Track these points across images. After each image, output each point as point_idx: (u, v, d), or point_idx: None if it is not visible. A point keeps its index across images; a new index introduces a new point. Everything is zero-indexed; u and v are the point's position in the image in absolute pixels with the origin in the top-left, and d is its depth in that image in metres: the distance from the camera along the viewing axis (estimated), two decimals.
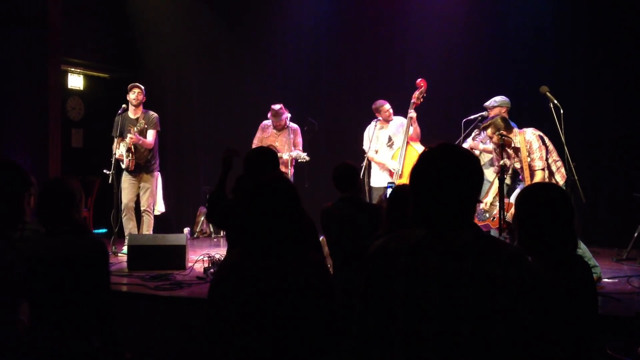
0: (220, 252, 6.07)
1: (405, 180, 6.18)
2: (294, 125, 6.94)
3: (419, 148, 6.42)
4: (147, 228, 6.64)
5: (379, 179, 6.65)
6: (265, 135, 6.92)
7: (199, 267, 5.62)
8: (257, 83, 8.57)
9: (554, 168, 5.16)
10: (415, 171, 1.76)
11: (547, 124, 5.65)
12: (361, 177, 6.17)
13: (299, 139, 6.95)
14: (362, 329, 1.79)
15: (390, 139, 6.66)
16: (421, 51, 7.90)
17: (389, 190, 4.63)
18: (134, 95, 6.57)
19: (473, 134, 6.20)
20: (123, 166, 6.55)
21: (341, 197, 4.01)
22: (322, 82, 8.58)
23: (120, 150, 6.52)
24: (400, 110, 6.69)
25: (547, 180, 5.05)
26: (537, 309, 1.66)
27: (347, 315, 2.12)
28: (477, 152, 6.21)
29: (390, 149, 6.63)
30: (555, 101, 5.40)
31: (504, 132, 5.06)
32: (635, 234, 6.09)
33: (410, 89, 6.58)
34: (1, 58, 6.83)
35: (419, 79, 6.56)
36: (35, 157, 6.81)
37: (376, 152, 6.64)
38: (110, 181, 6.60)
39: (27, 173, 2.62)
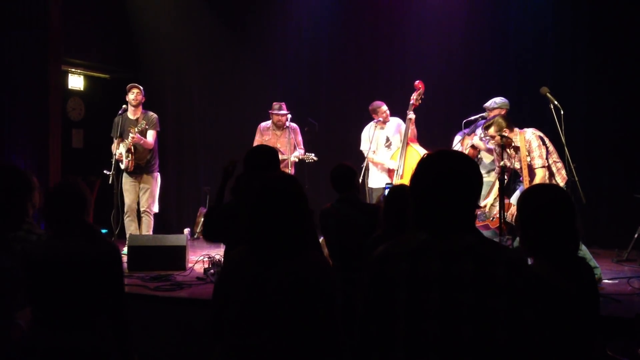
0: (220, 252, 6.06)
1: (405, 180, 6.19)
2: (294, 125, 6.94)
3: (418, 148, 6.44)
4: (147, 229, 6.64)
5: (377, 180, 6.65)
6: (265, 137, 6.92)
7: (199, 268, 5.62)
8: (257, 83, 8.57)
9: (554, 169, 5.16)
10: (415, 176, 1.78)
11: (547, 124, 5.65)
12: (361, 178, 6.19)
13: (300, 138, 6.97)
14: (364, 331, 1.80)
15: (388, 139, 6.66)
16: (421, 52, 7.90)
17: (387, 191, 4.64)
18: (133, 95, 6.57)
19: (479, 134, 6.17)
20: (122, 167, 6.55)
21: (339, 197, 4.02)
22: (322, 82, 8.58)
23: (120, 151, 6.52)
24: (400, 111, 6.69)
25: (547, 180, 5.05)
26: (538, 311, 1.67)
27: (346, 315, 2.12)
28: (477, 151, 6.22)
29: (389, 150, 6.64)
30: (556, 102, 5.40)
31: (507, 131, 5.07)
32: (636, 235, 6.09)
33: (411, 90, 6.59)
34: (2, 58, 6.83)
35: (417, 81, 6.57)
36: (35, 157, 6.81)
37: (374, 152, 6.65)
38: (110, 182, 6.60)
39: (28, 176, 2.61)
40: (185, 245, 5.83)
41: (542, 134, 5.21)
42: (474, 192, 1.75)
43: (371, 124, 6.77)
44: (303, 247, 2.13)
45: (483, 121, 6.24)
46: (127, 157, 6.45)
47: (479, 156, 6.25)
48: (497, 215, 5.00)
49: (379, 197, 6.16)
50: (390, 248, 1.80)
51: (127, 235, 6.50)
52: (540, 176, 5.03)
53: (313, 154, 6.70)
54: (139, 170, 6.57)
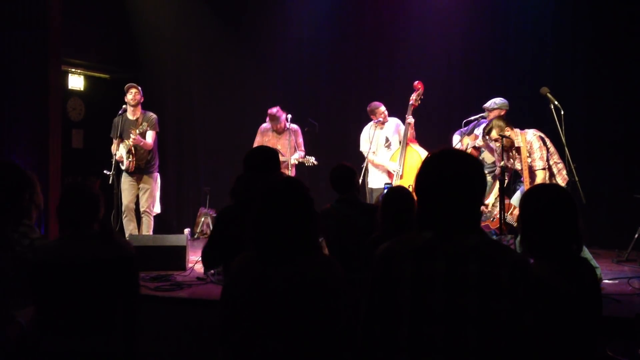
0: None
1: (405, 181, 6.19)
2: (294, 126, 6.92)
3: (418, 148, 6.45)
4: (147, 229, 6.64)
5: (377, 180, 6.65)
6: (265, 139, 6.90)
7: (199, 268, 5.61)
8: (258, 84, 8.57)
9: (555, 170, 5.16)
10: (420, 176, 1.78)
11: (547, 125, 5.64)
12: (361, 178, 6.19)
13: (301, 139, 6.95)
14: (367, 330, 1.79)
15: (387, 139, 6.67)
16: (421, 52, 7.90)
17: (385, 192, 4.64)
18: (131, 95, 6.57)
19: (479, 135, 6.16)
20: (123, 167, 6.55)
21: (339, 198, 4.03)
22: (322, 83, 8.58)
23: (120, 152, 6.51)
24: (400, 111, 6.69)
25: (548, 181, 5.04)
26: (540, 314, 1.67)
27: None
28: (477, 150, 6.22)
29: (388, 150, 6.64)
30: (556, 102, 5.40)
31: (508, 130, 5.06)
32: (636, 235, 6.08)
33: (410, 90, 6.59)
34: (2, 59, 6.82)
35: (416, 82, 6.58)
36: (35, 157, 6.79)
37: (374, 153, 6.65)
38: (110, 182, 6.60)
39: (28, 174, 2.61)
40: (186, 246, 5.83)
41: (543, 135, 5.21)
42: (478, 191, 1.75)
43: (370, 125, 6.78)
44: (309, 248, 2.12)
45: (482, 121, 6.24)
46: (127, 157, 6.45)
47: (481, 157, 6.25)
48: (498, 216, 5.00)
49: (378, 197, 6.15)
50: (394, 246, 1.79)
51: (126, 236, 6.50)
52: (541, 178, 5.03)
53: (313, 158, 6.68)
54: (139, 171, 6.56)
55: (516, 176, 5.64)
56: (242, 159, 3.50)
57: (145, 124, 6.48)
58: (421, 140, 6.62)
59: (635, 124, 6.95)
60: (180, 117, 8.96)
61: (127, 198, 6.59)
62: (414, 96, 6.51)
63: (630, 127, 6.98)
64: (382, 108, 6.65)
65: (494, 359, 1.62)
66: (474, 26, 7.74)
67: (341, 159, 4.68)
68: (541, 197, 2.22)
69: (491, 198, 5.43)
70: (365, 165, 6.57)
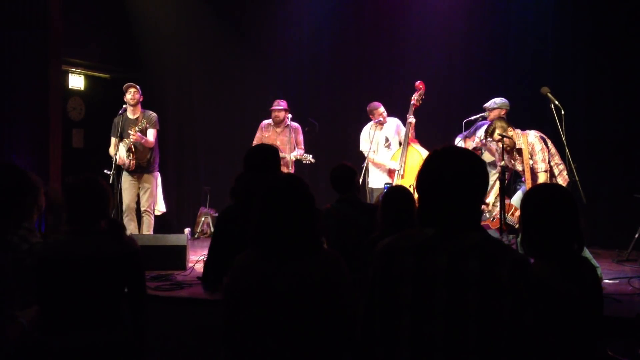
0: None
1: (406, 181, 6.19)
2: (295, 124, 6.93)
3: (419, 148, 6.45)
4: (148, 228, 6.63)
5: (378, 180, 6.65)
6: (265, 134, 6.92)
7: (200, 268, 5.61)
8: (258, 83, 8.57)
9: (555, 171, 5.16)
10: (422, 173, 1.78)
11: (548, 125, 5.65)
12: (361, 178, 6.19)
13: (301, 138, 6.96)
14: (367, 326, 1.79)
15: (387, 139, 6.67)
16: (422, 52, 7.90)
17: (384, 192, 4.64)
18: (130, 95, 6.56)
19: (478, 135, 6.15)
20: (124, 167, 6.54)
21: (339, 198, 4.03)
22: (322, 83, 8.58)
23: (120, 151, 6.50)
24: (401, 111, 6.69)
25: (549, 182, 5.04)
26: (541, 314, 1.67)
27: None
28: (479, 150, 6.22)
29: (388, 149, 6.64)
30: (557, 102, 5.40)
31: (510, 130, 5.06)
32: (636, 235, 6.08)
33: (411, 90, 6.59)
34: (2, 58, 6.82)
35: (418, 82, 6.58)
36: (35, 157, 6.80)
37: (374, 153, 6.65)
38: (110, 181, 6.59)
39: (29, 176, 2.60)
40: (186, 245, 5.82)
41: (544, 136, 5.21)
42: (480, 189, 1.76)
43: (370, 125, 6.78)
44: (313, 247, 2.12)
45: (483, 122, 6.24)
46: (128, 156, 6.45)
47: (482, 157, 6.24)
48: (498, 216, 5.00)
49: (378, 197, 6.16)
50: (395, 242, 1.79)
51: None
52: (542, 180, 5.02)
53: (311, 156, 6.69)
54: (140, 170, 6.55)
55: (516, 176, 5.63)
56: (242, 158, 3.50)
57: (144, 121, 6.47)
58: (421, 139, 6.62)
59: (635, 124, 6.95)
60: (180, 117, 8.96)
61: (127, 197, 6.58)
62: (415, 96, 6.51)
63: (630, 127, 6.98)
64: (381, 109, 6.65)
65: (495, 356, 1.62)
66: (474, 26, 7.74)
67: (341, 159, 4.68)
68: (542, 196, 2.22)
69: (491, 197, 5.42)
70: (365, 165, 6.57)
